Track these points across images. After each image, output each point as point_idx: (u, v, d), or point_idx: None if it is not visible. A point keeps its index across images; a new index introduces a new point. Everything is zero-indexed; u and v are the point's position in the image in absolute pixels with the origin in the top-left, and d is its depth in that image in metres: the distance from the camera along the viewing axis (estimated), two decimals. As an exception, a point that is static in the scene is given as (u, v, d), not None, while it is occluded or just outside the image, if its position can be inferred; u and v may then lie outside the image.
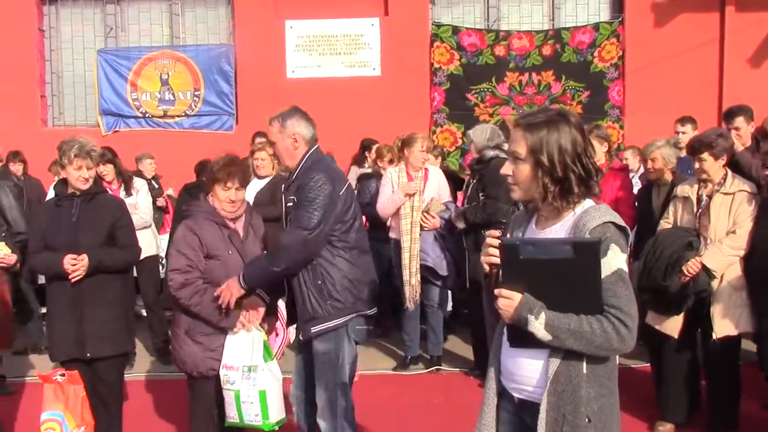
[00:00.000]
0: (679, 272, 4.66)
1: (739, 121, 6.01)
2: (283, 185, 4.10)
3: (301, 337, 3.94)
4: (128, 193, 6.59)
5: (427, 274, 6.29)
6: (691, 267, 4.63)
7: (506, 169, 2.42)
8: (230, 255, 3.97)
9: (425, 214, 6.22)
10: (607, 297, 2.28)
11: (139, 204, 6.63)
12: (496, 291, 2.32)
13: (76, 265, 4.16)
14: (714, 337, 4.66)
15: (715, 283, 4.69)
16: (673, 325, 4.81)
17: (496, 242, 2.36)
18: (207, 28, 10.05)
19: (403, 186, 6.29)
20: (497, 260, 2.35)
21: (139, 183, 6.95)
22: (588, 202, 2.40)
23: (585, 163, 2.36)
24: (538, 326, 2.26)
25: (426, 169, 6.44)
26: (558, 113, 2.42)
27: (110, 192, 6.59)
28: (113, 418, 4.49)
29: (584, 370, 2.32)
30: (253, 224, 4.19)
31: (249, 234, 4.13)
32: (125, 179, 6.77)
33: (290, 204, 3.85)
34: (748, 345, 5.35)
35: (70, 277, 4.17)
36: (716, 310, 4.68)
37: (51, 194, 7.91)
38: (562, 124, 2.36)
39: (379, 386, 6.16)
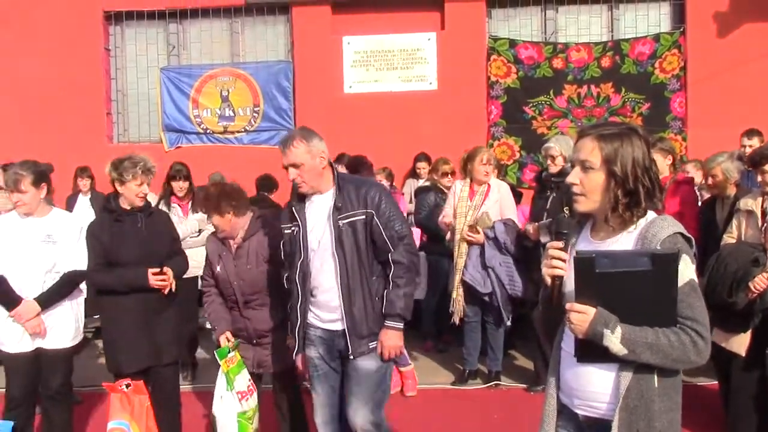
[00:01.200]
0: (745, 289, 4.53)
1: None
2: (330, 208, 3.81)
3: (351, 356, 3.79)
4: (195, 210, 6.72)
5: (469, 289, 6.26)
6: (758, 283, 4.51)
7: (573, 178, 2.41)
8: (218, 271, 4.50)
9: (470, 228, 6.18)
10: (681, 308, 2.27)
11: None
12: (568, 306, 2.31)
13: (164, 279, 4.40)
14: (783, 355, 4.52)
15: (785, 300, 4.55)
16: (740, 342, 4.68)
17: (560, 254, 2.35)
18: (266, 45, 10.22)
19: (464, 232, 6.25)
20: (561, 272, 2.34)
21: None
22: (651, 214, 2.40)
23: (652, 176, 2.38)
24: (614, 340, 2.24)
25: (489, 185, 6.38)
26: (628, 126, 2.46)
27: (179, 207, 6.81)
28: (172, 425, 4.60)
29: (656, 384, 2.30)
30: (256, 249, 4.44)
31: (247, 255, 4.42)
32: (195, 195, 6.92)
33: (348, 224, 3.74)
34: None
35: (162, 290, 4.43)
36: (785, 327, 4.54)
37: (82, 209, 8.18)
38: (634, 137, 2.38)
39: (437, 401, 6.14)
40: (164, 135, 10.05)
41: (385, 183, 8.36)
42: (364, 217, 3.72)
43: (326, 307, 3.82)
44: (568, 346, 2.46)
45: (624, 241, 2.38)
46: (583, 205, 2.42)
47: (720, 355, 4.86)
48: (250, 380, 4.43)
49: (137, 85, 10.40)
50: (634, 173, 2.34)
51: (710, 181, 5.69)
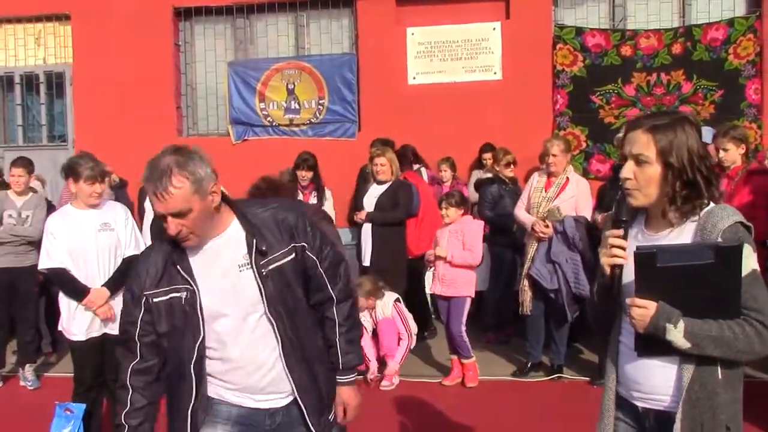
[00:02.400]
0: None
1: None
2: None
3: None
4: (320, 201, 6.89)
5: (535, 283, 6.18)
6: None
7: (627, 172, 2.35)
8: None
9: (540, 221, 6.11)
10: (745, 299, 2.22)
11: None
12: (629, 301, 2.28)
13: None
14: None
15: None
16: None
17: (620, 242, 2.31)
18: (331, 38, 10.28)
19: (534, 221, 6.18)
20: (622, 261, 2.30)
21: (328, 193, 7.42)
22: (709, 204, 2.33)
23: (708, 165, 2.32)
24: (677, 335, 2.20)
25: (567, 178, 6.28)
26: (680, 115, 2.40)
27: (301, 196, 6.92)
28: None
29: (719, 376, 2.26)
30: None
31: None
32: (319, 187, 7.12)
33: (274, 270, 2.82)
34: None
35: None
36: None
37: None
38: (687, 126, 2.33)
39: (498, 392, 6.12)
40: (231, 128, 10.24)
41: (449, 173, 8.34)
42: (293, 255, 2.75)
43: (253, 389, 2.76)
44: (626, 339, 2.42)
45: (682, 233, 2.33)
46: (637, 200, 2.36)
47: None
48: None
49: (205, 80, 10.61)
50: (691, 163, 2.28)
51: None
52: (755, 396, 5.50)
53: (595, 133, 9.37)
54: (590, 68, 9.39)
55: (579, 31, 9.44)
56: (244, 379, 2.72)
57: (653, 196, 2.33)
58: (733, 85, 9.12)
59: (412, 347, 6.55)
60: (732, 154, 5.50)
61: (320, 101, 10.04)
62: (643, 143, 2.32)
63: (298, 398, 2.76)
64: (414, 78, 9.83)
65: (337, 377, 2.92)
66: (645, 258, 2.21)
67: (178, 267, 2.66)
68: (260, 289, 2.68)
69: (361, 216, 6.80)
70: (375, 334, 6.48)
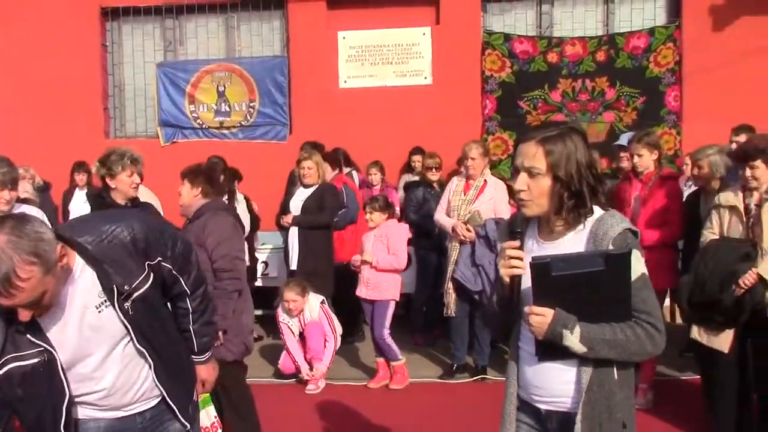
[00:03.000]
0: (734, 285, 4.53)
1: None
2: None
3: None
4: (231, 204, 6.78)
5: (460, 286, 6.27)
6: (748, 279, 4.49)
7: (521, 184, 2.41)
8: None
9: (461, 224, 6.20)
10: (635, 302, 2.32)
11: (241, 215, 6.65)
12: (527, 309, 2.34)
13: None
14: (771, 351, 4.51)
15: (769, 295, 4.54)
16: (723, 340, 4.66)
17: (518, 253, 2.37)
18: (262, 40, 10.24)
19: (455, 224, 6.26)
20: (520, 271, 2.36)
21: (240, 196, 7.37)
22: (598, 210, 2.42)
23: (595, 174, 2.40)
24: (573, 340, 2.29)
25: (485, 181, 6.38)
26: (568, 126, 2.47)
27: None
28: None
29: (616, 376, 2.36)
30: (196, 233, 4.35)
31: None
32: (231, 191, 7.04)
33: (138, 299, 2.70)
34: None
35: None
36: (773, 323, 4.53)
37: (79, 204, 8.23)
38: (575, 136, 2.41)
39: (425, 394, 6.18)
40: (160, 130, 10.10)
41: (378, 177, 8.40)
42: (151, 275, 2.60)
43: (124, 405, 2.68)
44: (526, 344, 2.49)
45: (575, 240, 2.40)
46: (531, 210, 2.43)
47: (702, 351, 4.88)
48: (215, 417, 4.30)
49: (134, 81, 10.45)
50: (578, 174, 2.36)
51: (696, 171, 5.69)
52: (668, 394, 5.74)
53: (523, 138, 9.53)
54: (518, 74, 9.58)
55: (507, 37, 9.62)
56: (118, 400, 2.64)
57: (545, 206, 2.40)
58: (654, 92, 9.43)
59: (337, 348, 6.56)
60: (646, 160, 5.66)
61: (251, 104, 9.99)
62: (534, 156, 2.38)
63: (169, 401, 2.74)
64: (345, 81, 9.87)
65: (194, 358, 2.96)
66: (540, 268, 2.29)
67: (26, 334, 2.38)
68: (126, 325, 2.53)
69: (287, 220, 6.78)
70: (302, 337, 6.47)
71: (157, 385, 2.70)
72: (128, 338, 2.57)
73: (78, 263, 2.45)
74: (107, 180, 4.53)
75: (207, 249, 4.28)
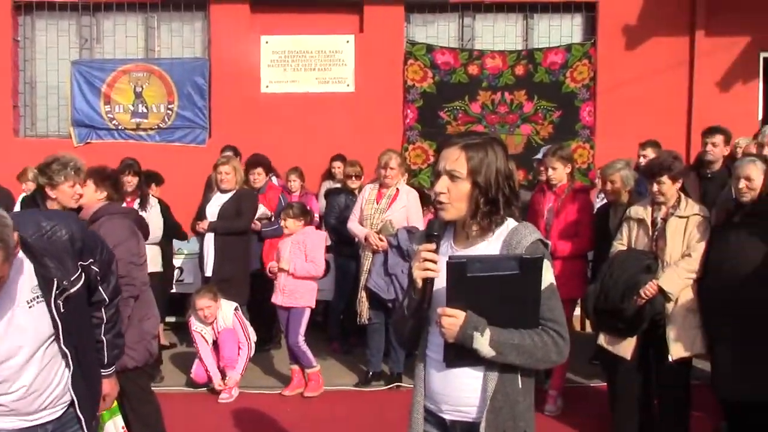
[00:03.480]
0: (635, 295, 4.69)
1: (718, 138, 6.22)
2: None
3: None
4: (143, 209, 6.57)
5: (373, 294, 6.29)
6: (648, 290, 4.67)
7: (441, 187, 2.44)
8: None
9: (374, 233, 6.24)
10: (543, 311, 2.38)
11: (152, 220, 6.42)
12: (440, 310, 2.35)
13: None
14: (670, 359, 4.68)
15: (670, 306, 4.72)
16: (626, 347, 4.84)
17: (433, 256, 2.39)
18: (182, 41, 10.05)
19: (368, 234, 6.28)
20: (434, 274, 2.38)
21: (153, 200, 7.10)
22: (512, 222, 2.47)
23: (512, 185, 2.46)
24: (483, 343, 2.31)
25: (398, 190, 6.43)
26: (491, 137, 2.53)
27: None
28: None
29: (520, 385, 2.40)
30: None
31: None
32: (143, 195, 6.81)
33: (73, 295, 2.77)
34: (700, 363, 5.40)
35: None
36: (671, 333, 4.70)
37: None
38: (497, 147, 2.46)
39: (340, 402, 6.16)
40: (73, 130, 9.78)
41: (298, 183, 8.36)
42: (83, 276, 2.65)
43: (32, 412, 2.60)
44: (433, 352, 2.50)
45: (488, 249, 2.44)
46: (449, 214, 2.45)
47: (608, 359, 5.04)
48: (123, 427, 4.17)
49: (46, 78, 10.09)
50: (496, 182, 2.41)
51: (609, 186, 5.87)
52: (577, 400, 5.89)
53: (443, 148, 9.64)
54: (439, 85, 9.70)
55: (429, 48, 9.73)
56: (28, 405, 2.56)
57: (463, 211, 2.44)
58: (570, 106, 9.71)
59: (251, 355, 6.48)
60: (559, 173, 5.82)
61: (169, 106, 9.79)
62: (456, 160, 2.42)
63: (78, 411, 2.68)
64: (267, 86, 9.79)
65: (102, 371, 2.95)
66: (456, 267, 2.31)
67: None
68: (57, 322, 2.49)
69: (202, 226, 6.66)
70: (215, 345, 6.37)
71: (69, 391, 2.63)
72: (53, 338, 2.52)
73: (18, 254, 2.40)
74: (48, 189, 4.32)
75: None
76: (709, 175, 6.16)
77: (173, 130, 9.80)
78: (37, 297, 2.46)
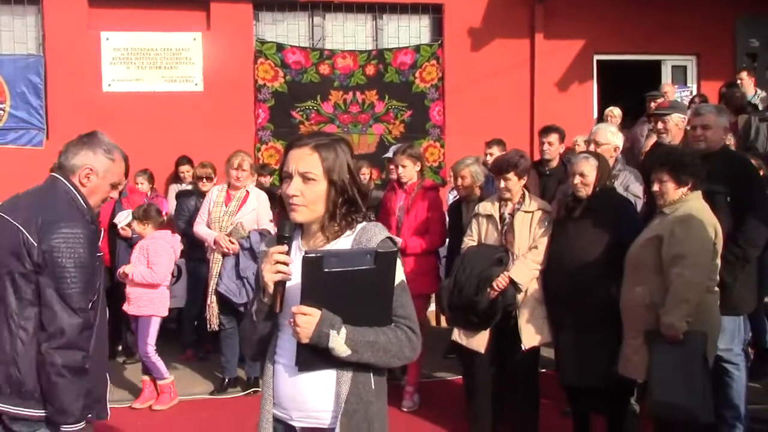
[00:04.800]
0: (488, 287, 4.82)
1: (554, 137, 6.54)
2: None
3: None
4: None
5: (225, 298, 6.17)
6: (500, 282, 4.81)
7: (294, 189, 2.37)
8: None
9: (224, 236, 6.10)
10: (395, 307, 2.37)
11: None
12: (295, 309, 2.27)
13: None
14: (523, 348, 4.83)
15: (520, 297, 4.88)
16: (479, 341, 4.96)
17: (285, 258, 2.32)
18: (14, 37, 9.38)
19: (218, 237, 6.13)
20: (287, 276, 2.32)
21: None
22: (362, 222, 2.46)
23: (360, 183, 2.46)
24: (339, 341, 2.25)
25: (247, 192, 6.30)
26: (337, 137, 2.51)
27: None
28: None
29: (373, 386, 2.37)
30: None
31: None
32: None
33: None
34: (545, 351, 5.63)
35: None
36: (523, 322, 4.85)
37: None
38: (345, 147, 2.45)
39: (195, 411, 5.97)
40: None
41: (146, 185, 8.03)
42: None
43: None
44: (283, 358, 2.43)
45: (338, 247, 2.40)
46: (302, 216, 2.40)
47: (465, 353, 5.15)
48: None
49: None
50: (350, 181, 2.40)
51: (459, 182, 6.00)
52: (433, 395, 6.00)
53: (296, 148, 9.57)
54: (291, 84, 9.62)
55: (279, 47, 9.63)
56: None
57: (319, 212, 2.40)
58: (420, 106, 9.90)
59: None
60: (409, 171, 5.90)
61: (1, 106, 9.12)
62: (310, 162, 2.37)
63: None
64: (109, 85, 9.34)
65: None
66: (312, 262, 2.24)
67: None
68: None
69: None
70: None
71: None
72: None
73: None
74: None
75: None
76: (548, 172, 6.47)
77: (5, 131, 9.14)
78: None
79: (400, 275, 2.38)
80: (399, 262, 2.38)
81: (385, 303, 2.35)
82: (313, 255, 2.26)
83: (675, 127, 5.52)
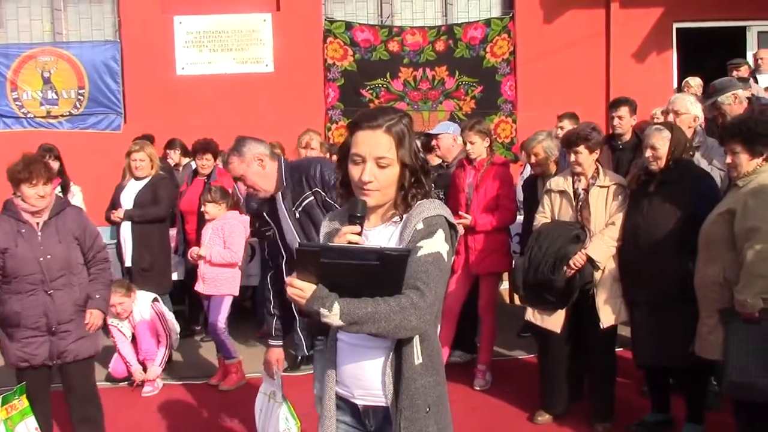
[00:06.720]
0: (565, 266, 4.70)
1: (624, 110, 6.19)
2: (253, 202, 3.99)
3: None
4: (65, 196, 6.36)
5: None
6: (578, 260, 4.68)
7: (369, 175, 2.28)
8: (17, 247, 4.16)
9: None
10: (418, 273, 2.22)
11: None
12: (288, 280, 2.21)
13: None
14: (601, 326, 4.70)
15: (597, 275, 4.74)
16: (555, 321, 4.85)
17: (358, 239, 2.28)
18: (91, 24, 9.65)
19: None
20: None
21: (75, 188, 7.01)
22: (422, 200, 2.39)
23: (424, 162, 2.39)
24: (334, 318, 2.16)
25: None
26: (403, 112, 2.40)
27: None
28: None
29: (416, 362, 2.29)
30: (65, 221, 4.32)
31: (52, 228, 4.27)
32: (65, 182, 6.78)
33: (302, 211, 3.75)
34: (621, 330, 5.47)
35: None
36: (600, 302, 4.72)
37: None
38: (410, 124, 2.36)
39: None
40: (-21, 120, 9.32)
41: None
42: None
43: None
44: (345, 336, 2.39)
45: (396, 229, 2.35)
46: (376, 200, 2.33)
47: (539, 332, 5.04)
48: (36, 428, 4.12)
49: (-53, 67, 9.56)
50: (418, 160, 2.35)
51: (533, 159, 5.84)
52: (506, 374, 5.92)
53: (366, 127, 9.56)
54: (360, 63, 9.58)
55: (348, 25, 9.59)
56: None
57: (391, 195, 2.34)
58: (491, 81, 9.72)
59: (175, 347, 6.30)
60: (478, 147, 5.77)
61: (80, 91, 9.41)
62: (384, 146, 2.29)
63: None
64: (183, 69, 9.51)
65: None
66: (306, 255, 2.19)
67: None
68: None
69: (117, 215, 6.41)
70: (135, 338, 6.15)
71: None
72: None
73: None
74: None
75: None
76: (620, 146, 6.22)
77: (86, 116, 9.43)
78: None
79: (438, 246, 2.26)
80: (442, 237, 2.27)
81: (391, 288, 2.21)
82: (308, 248, 2.22)
83: (729, 106, 5.35)
